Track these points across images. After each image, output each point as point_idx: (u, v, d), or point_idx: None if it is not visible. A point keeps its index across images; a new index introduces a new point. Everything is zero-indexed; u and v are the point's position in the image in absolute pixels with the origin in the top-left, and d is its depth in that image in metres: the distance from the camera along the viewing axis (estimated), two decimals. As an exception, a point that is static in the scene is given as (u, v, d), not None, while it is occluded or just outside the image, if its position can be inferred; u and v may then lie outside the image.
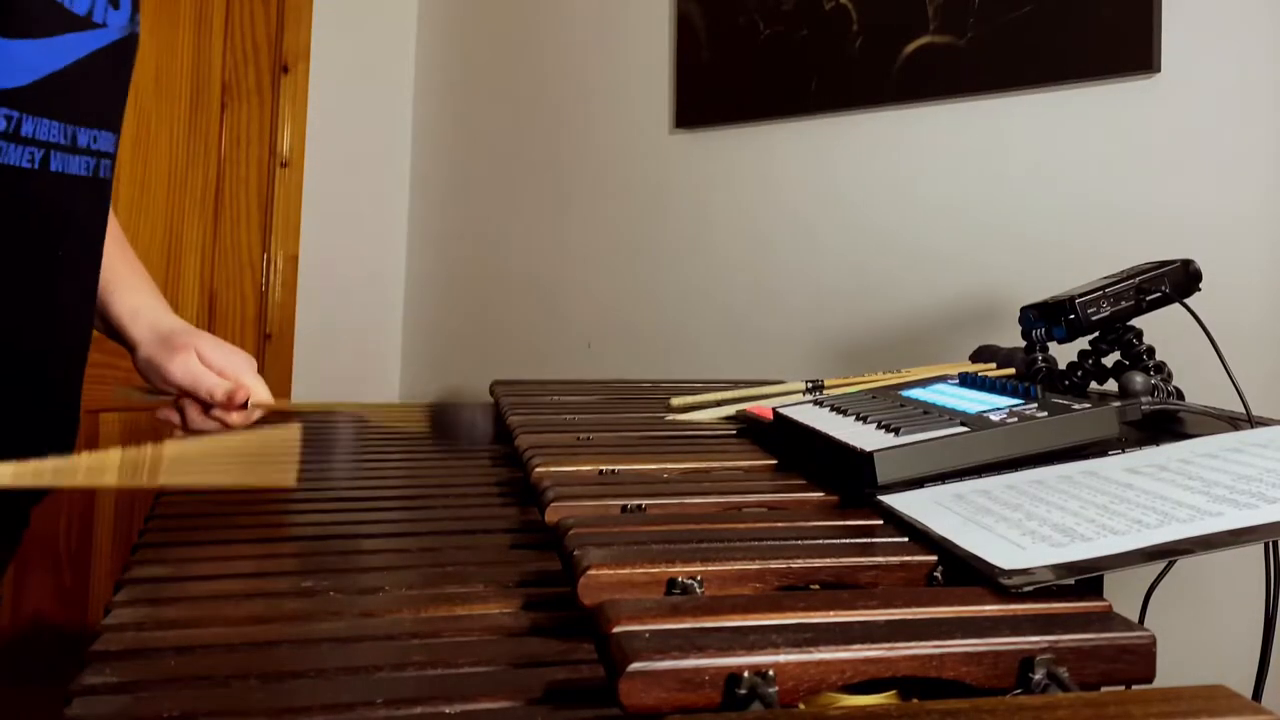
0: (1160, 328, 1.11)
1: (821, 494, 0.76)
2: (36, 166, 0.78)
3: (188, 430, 0.94)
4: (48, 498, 0.95)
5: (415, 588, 0.64)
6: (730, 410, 1.08)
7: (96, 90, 0.83)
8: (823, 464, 0.81)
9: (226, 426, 0.92)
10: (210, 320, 2.42)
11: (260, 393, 0.92)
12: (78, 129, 0.81)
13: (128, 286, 0.97)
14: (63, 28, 0.77)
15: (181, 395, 0.93)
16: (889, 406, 0.88)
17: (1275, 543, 0.86)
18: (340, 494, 0.89)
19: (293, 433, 0.80)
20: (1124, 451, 0.75)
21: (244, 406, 0.91)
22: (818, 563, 0.58)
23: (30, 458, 0.72)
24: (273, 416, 0.96)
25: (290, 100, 2.52)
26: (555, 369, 2.22)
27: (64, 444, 0.91)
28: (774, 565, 0.58)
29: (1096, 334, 1.13)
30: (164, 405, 0.94)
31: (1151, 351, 1.10)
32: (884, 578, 0.58)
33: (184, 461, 0.76)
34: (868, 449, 0.73)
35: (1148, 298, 1.09)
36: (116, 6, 0.82)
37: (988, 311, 1.62)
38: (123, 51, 0.85)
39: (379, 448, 1.09)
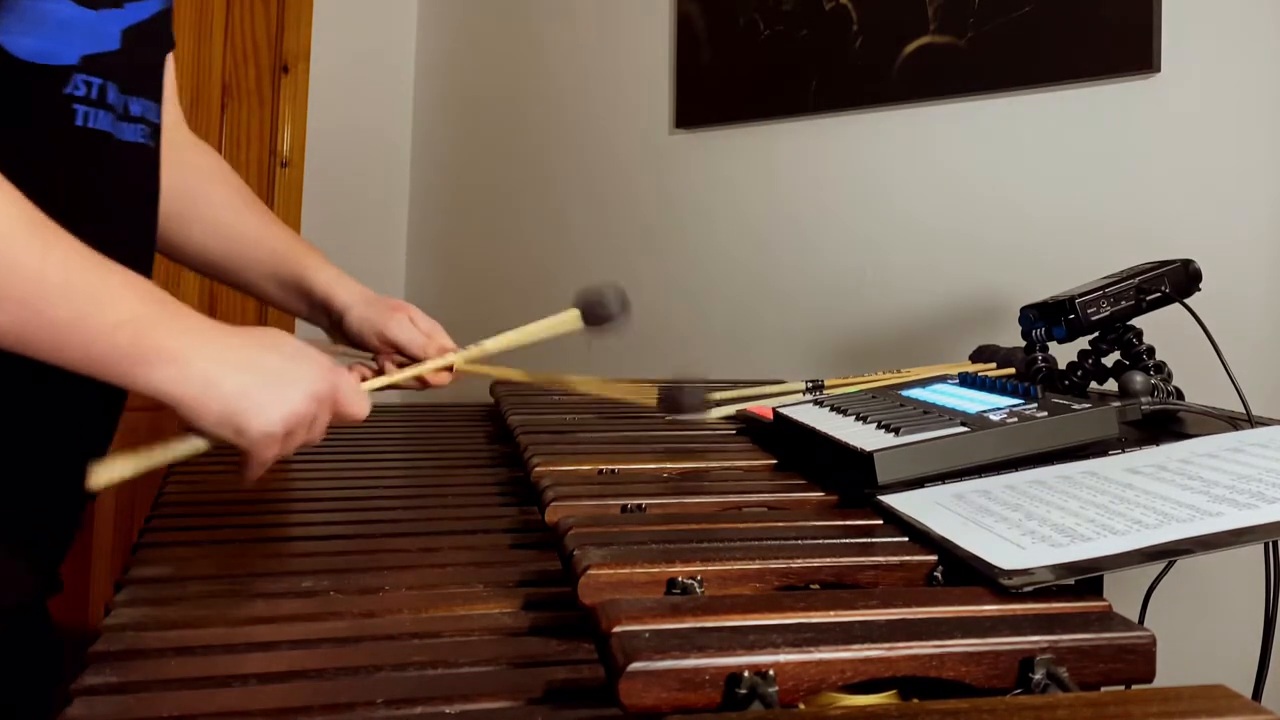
0: (1160, 328, 1.11)
1: (821, 494, 0.76)
2: (112, 130, 0.81)
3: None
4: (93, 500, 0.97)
5: (415, 588, 0.64)
6: (730, 410, 1.08)
7: (144, 60, 0.86)
8: (823, 464, 0.81)
9: (425, 385, 0.97)
10: (210, 320, 2.42)
11: (459, 358, 0.98)
12: (130, 98, 0.83)
13: (316, 259, 1.03)
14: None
15: (387, 354, 0.99)
16: (889, 406, 0.88)
17: (1275, 543, 0.86)
18: (340, 494, 0.89)
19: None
20: (1124, 451, 0.75)
21: (449, 370, 0.97)
22: (818, 563, 0.58)
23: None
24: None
25: (290, 100, 2.52)
26: (555, 369, 2.22)
27: (115, 408, 0.94)
28: (774, 565, 0.58)
29: (1096, 334, 1.13)
30: (360, 363, 0.99)
31: (1151, 351, 1.10)
32: (884, 578, 0.58)
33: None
34: (868, 449, 0.73)
35: (1148, 298, 1.09)
36: None
37: (988, 311, 1.62)
38: (163, 22, 0.88)
39: (379, 448, 1.09)
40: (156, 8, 0.86)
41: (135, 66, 0.84)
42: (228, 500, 0.86)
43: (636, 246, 2.16)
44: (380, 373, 0.98)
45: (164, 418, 0.67)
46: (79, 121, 0.77)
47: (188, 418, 0.66)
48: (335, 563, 0.71)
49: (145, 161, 0.88)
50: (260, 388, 0.67)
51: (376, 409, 1.03)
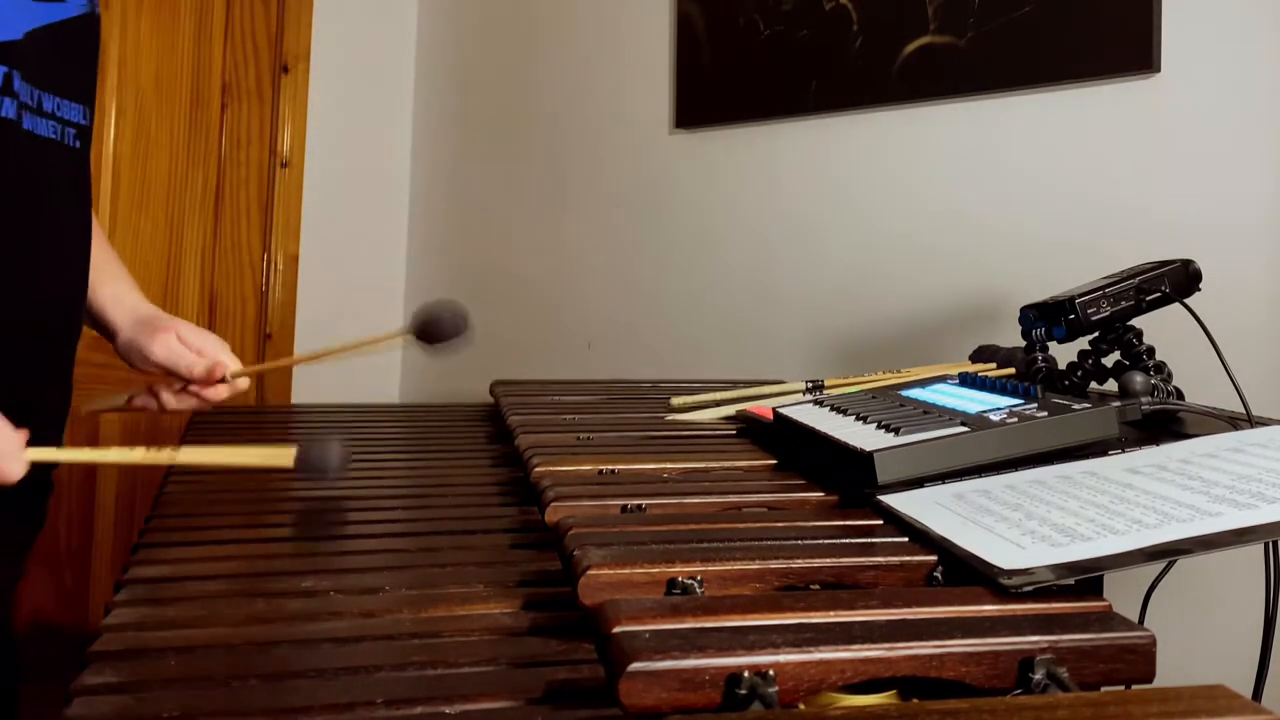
0: (1160, 328, 1.11)
1: (821, 494, 0.76)
2: (21, 123, 0.81)
3: (164, 412, 0.98)
4: (51, 494, 0.97)
5: (415, 588, 0.64)
6: (730, 410, 1.08)
7: (59, 60, 0.86)
8: (823, 464, 0.81)
9: (204, 402, 0.96)
10: (211, 321, 2.42)
11: (234, 368, 0.96)
12: (42, 93, 0.84)
13: (109, 276, 1.01)
14: None
15: (159, 377, 0.97)
16: (889, 406, 0.88)
17: (1275, 543, 0.86)
18: (340, 494, 0.89)
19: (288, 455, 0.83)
20: (1124, 451, 0.75)
21: (222, 380, 0.95)
22: (818, 563, 0.58)
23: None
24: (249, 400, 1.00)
25: (290, 100, 2.52)
26: (555, 369, 2.22)
27: (57, 411, 0.94)
28: (774, 565, 0.58)
29: (1096, 334, 1.13)
30: (139, 395, 0.98)
31: (1151, 351, 1.10)
32: (884, 578, 0.58)
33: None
34: (868, 449, 0.73)
35: (1148, 298, 1.09)
36: None
37: (988, 311, 1.62)
38: (82, 27, 0.89)
39: (378, 448, 1.09)
40: (74, 11, 0.86)
41: (50, 64, 0.84)
42: (228, 500, 0.86)
43: (636, 246, 2.16)
44: (158, 400, 0.96)
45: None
46: None
47: None
48: (335, 563, 0.71)
49: (68, 160, 0.88)
50: None
51: (376, 409, 1.03)
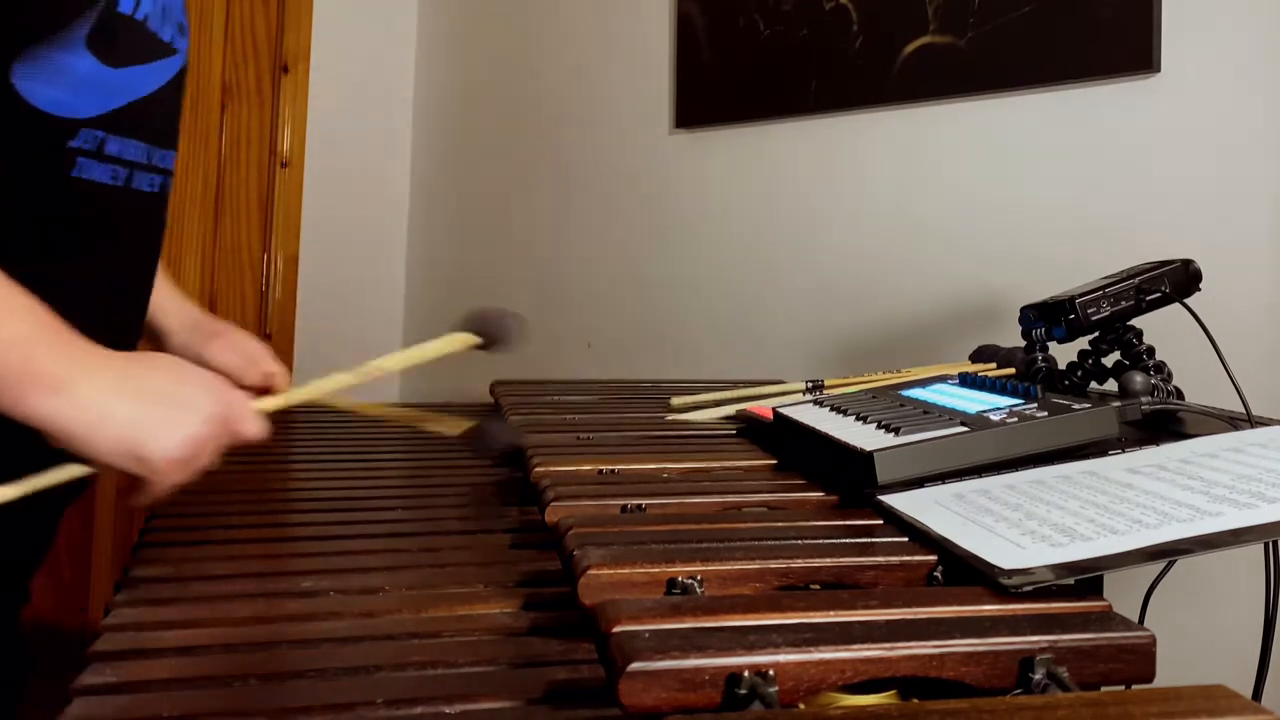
0: (1160, 328, 1.11)
1: (821, 494, 0.76)
2: (120, 184, 0.81)
3: None
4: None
5: (415, 588, 0.64)
6: (730, 410, 1.08)
7: (167, 112, 0.87)
8: (823, 464, 0.81)
9: None
10: (210, 320, 2.42)
11: (284, 383, 0.98)
12: (152, 148, 0.84)
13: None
14: (153, 55, 0.80)
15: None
16: (889, 406, 0.88)
17: (1275, 543, 0.86)
18: (340, 494, 0.89)
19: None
20: (1124, 451, 0.75)
21: (269, 390, 0.95)
22: (818, 563, 0.58)
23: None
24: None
25: (290, 100, 2.51)
26: (555, 369, 2.22)
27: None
28: (774, 565, 0.58)
29: (1096, 334, 1.13)
30: None
31: (1151, 351, 1.10)
32: (884, 578, 0.58)
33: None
34: (868, 449, 0.73)
35: (1148, 298, 1.09)
36: (183, 33, 0.85)
37: (988, 311, 1.62)
38: (185, 75, 0.89)
39: (379, 448, 1.09)
40: (180, 64, 0.86)
41: (160, 120, 0.84)
42: (228, 500, 0.86)
43: (636, 246, 2.16)
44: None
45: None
46: (73, 172, 0.77)
47: (80, 449, 0.63)
48: (335, 563, 0.71)
49: (154, 209, 0.88)
50: (155, 414, 0.64)
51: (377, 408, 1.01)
